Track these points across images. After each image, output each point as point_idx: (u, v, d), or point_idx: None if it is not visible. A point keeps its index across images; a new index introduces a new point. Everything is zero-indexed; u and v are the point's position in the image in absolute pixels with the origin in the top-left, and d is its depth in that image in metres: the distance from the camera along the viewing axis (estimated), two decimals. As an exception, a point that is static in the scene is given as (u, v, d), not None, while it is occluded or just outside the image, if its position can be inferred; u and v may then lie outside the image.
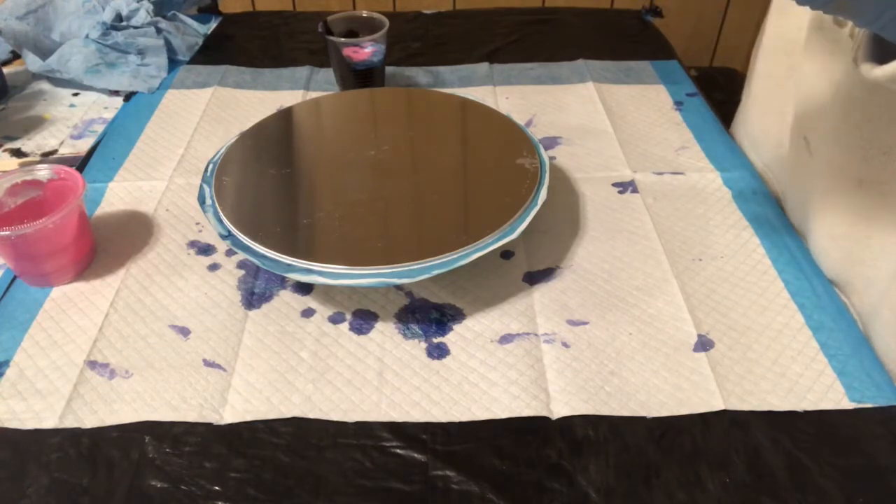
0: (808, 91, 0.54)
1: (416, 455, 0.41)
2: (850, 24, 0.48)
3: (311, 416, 0.43)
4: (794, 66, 0.57)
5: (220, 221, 0.51)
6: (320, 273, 0.47)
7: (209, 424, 0.42)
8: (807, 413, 0.43)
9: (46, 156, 0.68)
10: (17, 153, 0.68)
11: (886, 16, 0.34)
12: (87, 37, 0.78)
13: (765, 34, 0.64)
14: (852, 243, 0.49)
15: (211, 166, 0.56)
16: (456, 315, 0.49)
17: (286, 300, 0.51)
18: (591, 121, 0.71)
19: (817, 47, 0.52)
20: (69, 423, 0.42)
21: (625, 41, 0.88)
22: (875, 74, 0.37)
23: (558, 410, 0.43)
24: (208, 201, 0.53)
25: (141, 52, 0.79)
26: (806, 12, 0.55)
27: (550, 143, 0.68)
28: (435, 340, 0.48)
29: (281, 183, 0.55)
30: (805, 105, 0.54)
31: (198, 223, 0.58)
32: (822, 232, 0.53)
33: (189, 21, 0.88)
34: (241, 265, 0.54)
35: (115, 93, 0.78)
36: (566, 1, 1.00)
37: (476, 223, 0.50)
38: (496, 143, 0.59)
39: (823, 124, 0.52)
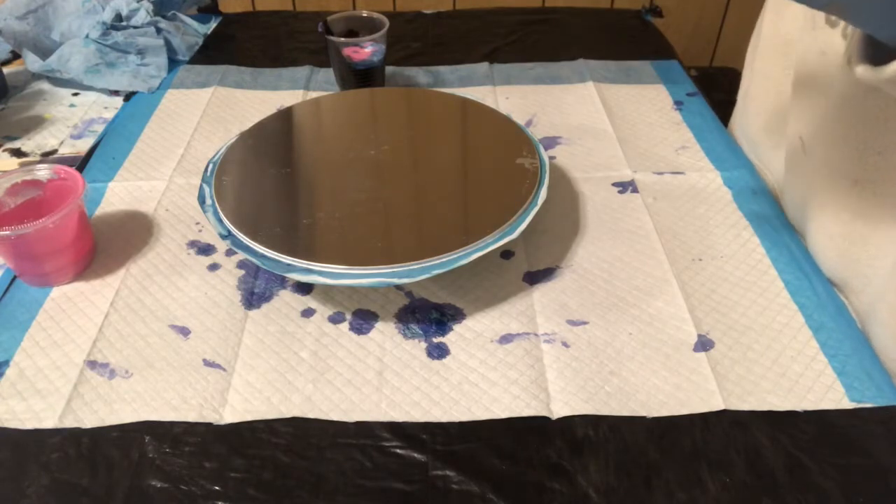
0: (803, 91, 0.54)
1: (416, 455, 0.41)
2: (842, 24, 0.48)
3: (311, 416, 0.43)
4: (789, 65, 0.57)
5: (220, 221, 0.51)
6: (320, 273, 0.47)
7: (209, 424, 0.42)
8: (807, 413, 0.42)
9: (46, 156, 0.68)
10: (17, 153, 0.68)
11: (880, 18, 0.34)
12: (87, 37, 0.78)
13: (761, 33, 0.64)
14: (849, 243, 0.49)
15: (211, 166, 0.56)
16: (456, 315, 0.49)
17: (286, 300, 0.51)
18: (591, 121, 0.71)
19: (811, 47, 0.52)
20: (69, 422, 0.42)
21: (625, 41, 0.88)
22: (870, 76, 0.36)
23: (558, 410, 0.43)
24: (208, 201, 0.53)
25: (141, 52, 0.79)
26: (800, 11, 0.55)
27: (550, 143, 0.68)
28: (435, 340, 0.48)
29: (281, 183, 0.55)
30: (800, 105, 0.54)
31: (198, 223, 0.58)
32: (819, 231, 0.53)
33: (189, 21, 0.88)
34: (241, 265, 0.54)
35: (115, 93, 0.78)
36: (566, 1, 1.00)
37: (476, 223, 0.50)
38: (496, 143, 0.59)
39: (818, 124, 0.52)
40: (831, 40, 0.49)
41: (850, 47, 0.43)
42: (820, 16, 0.51)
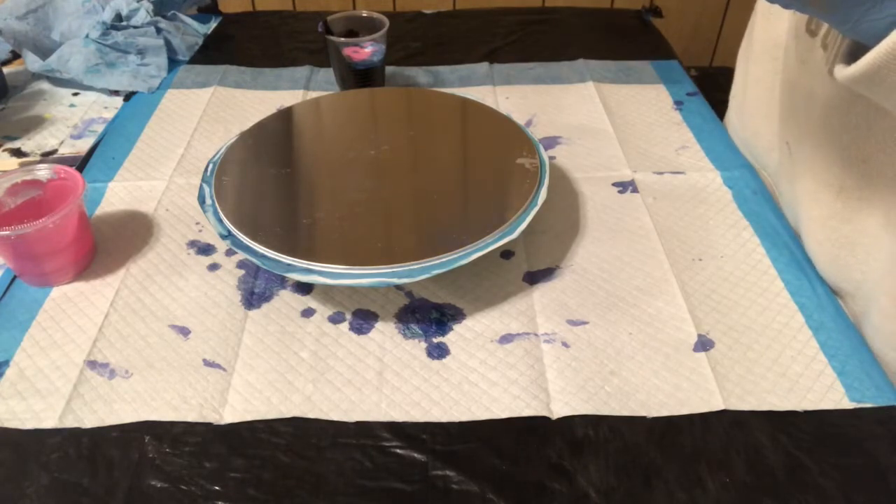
0: (789, 97, 0.54)
1: (416, 455, 0.41)
2: (822, 32, 0.47)
3: (311, 416, 0.43)
4: (779, 68, 0.57)
5: (220, 221, 0.51)
6: (320, 273, 0.47)
7: (209, 424, 0.42)
8: (807, 413, 0.43)
9: (46, 156, 0.68)
10: (17, 153, 0.68)
11: (855, 16, 0.34)
12: (87, 37, 0.78)
13: (753, 37, 0.64)
14: (837, 248, 0.49)
15: (211, 166, 0.56)
16: (456, 315, 0.49)
17: (286, 300, 0.51)
18: (591, 121, 0.71)
19: (795, 55, 0.52)
20: (69, 422, 0.42)
21: (625, 41, 0.88)
22: (842, 75, 0.36)
23: (558, 410, 0.43)
24: (208, 201, 0.53)
25: (141, 52, 0.79)
26: (788, 14, 0.55)
27: (550, 142, 0.68)
28: (435, 340, 0.48)
29: (281, 183, 0.55)
30: (786, 111, 0.54)
31: (198, 223, 0.58)
32: (809, 237, 0.53)
33: (189, 21, 0.88)
34: (241, 265, 0.54)
35: (115, 93, 0.78)
36: (566, 1, 1.00)
37: (476, 223, 0.50)
38: (496, 143, 0.59)
39: (803, 131, 0.52)
40: (812, 49, 0.49)
41: (831, 56, 0.43)
42: (800, 25, 0.51)
